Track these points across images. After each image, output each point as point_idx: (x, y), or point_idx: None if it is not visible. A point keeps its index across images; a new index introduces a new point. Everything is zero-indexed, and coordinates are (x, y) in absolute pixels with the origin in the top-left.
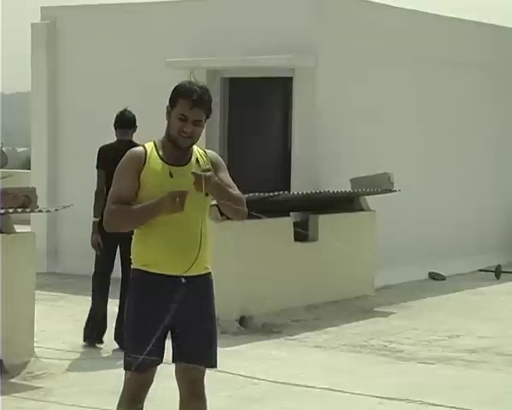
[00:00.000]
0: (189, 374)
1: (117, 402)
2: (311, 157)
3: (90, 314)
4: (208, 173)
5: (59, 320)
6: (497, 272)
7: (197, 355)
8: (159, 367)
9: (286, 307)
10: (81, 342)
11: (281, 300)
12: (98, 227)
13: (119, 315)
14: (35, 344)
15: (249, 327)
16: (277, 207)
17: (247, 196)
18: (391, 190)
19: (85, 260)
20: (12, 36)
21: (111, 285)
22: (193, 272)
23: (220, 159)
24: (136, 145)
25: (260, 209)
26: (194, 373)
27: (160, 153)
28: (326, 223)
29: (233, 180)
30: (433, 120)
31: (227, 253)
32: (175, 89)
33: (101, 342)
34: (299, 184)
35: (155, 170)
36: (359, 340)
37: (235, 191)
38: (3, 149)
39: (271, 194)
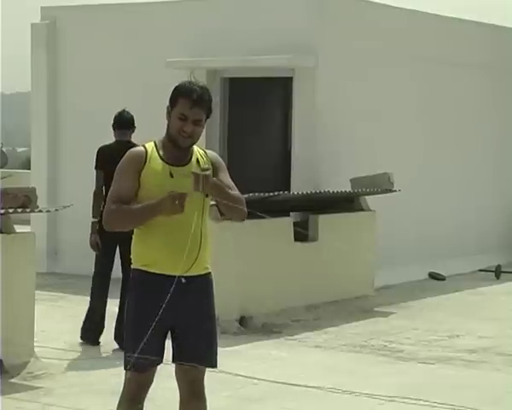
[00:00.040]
0: (189, 374)
1: (117, 402)
2: (311, 157)
3: (87, 314)
4: (207, 172)
5: (59, 320)
6: (497, 272)
7: (197, 355)
8: (159, 367)
9: (286, 307)
10: (81, 342)
11: (281, 300)
12: (97, 228)
13: (119, 315)
14: (35, 344)
15: (249, 327)
16: (277, 207)
17: (247, 196)
18: (391, 190)
19: (85, 260)
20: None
21: (111, 285)
22: (193, 272)
23: (220, 159)
24: (134, 146)
25: (260, 209)
26: (195, 373)
27: (161, 153)
28: (326, 223)
29: (233, 180)
30: (433, 120)
31: (227, 253)
32: (175, 89)
33: (98, 343)
34: (299, 184)
35: (156, 170)
36: (359, 340)
37: (235, 192)
38: (3, 149)
39: (271, 194)
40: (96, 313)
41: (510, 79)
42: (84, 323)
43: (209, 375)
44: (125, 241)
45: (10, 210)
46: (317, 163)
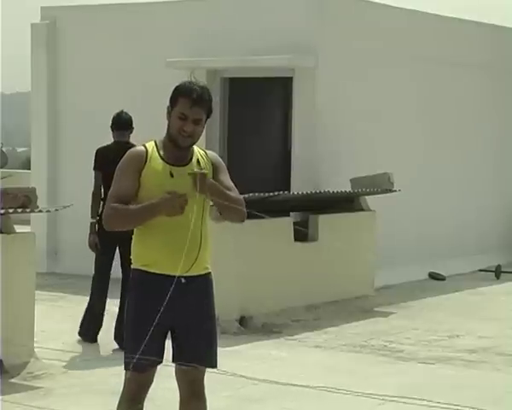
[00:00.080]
0: (189, 374)
1: (117, 402)
2: (311, 157)
3: (86, 311)
4: (203, 171)
5: (59, 320)
6: (497, 272)
7: (197, 355)
8: (159, 367)
9: (286, 307)
10: (81, 342)
11: (281, 300)
12: (96, 228)
13: (119, 315)
14: (35, 344)
15: (249, 327)
16: (277, 207)
17: (247, 196)
18: (391, 190)
19: (85, 260)
20: (12, 36)
21: (112, 285)
22: (193, 273)
23: (220, 160)
24: (133, 146)
25: (260, 209)
26: (195, 373)
27: (161, 153)
28: (326, 223)
29: (233, 180)
30: (433, 120)
31: (227, 253)
32: (175, 88)
33: (96, 341)
34: (299, 184)
35: (156, 170)
36: (359, 340)
37: (233, 193)
38: (3, 149)
39: (271, 194)
40: (94, 312)
41: (510, 79)
42: (83, 320)
43: (209, 375)
44: (124, 241)
45: (10, 210)
46: (317, 163)
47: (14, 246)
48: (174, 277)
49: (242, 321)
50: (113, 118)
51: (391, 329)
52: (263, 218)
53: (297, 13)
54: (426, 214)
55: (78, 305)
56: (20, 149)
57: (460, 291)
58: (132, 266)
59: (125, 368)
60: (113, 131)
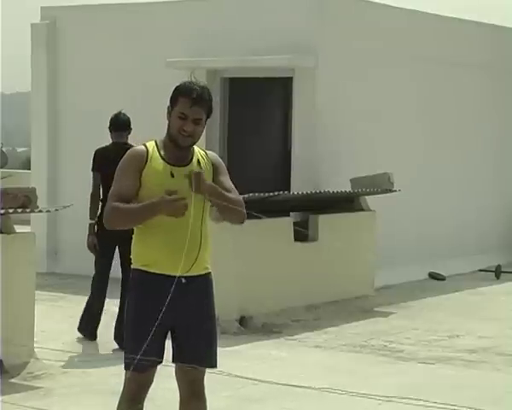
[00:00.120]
0: (189, 374)
1: (117, 402)
2: (311, 157)
3: (84, 311)
4: (198, 170)
5: (59, 320)
6: (497, 272)
7: (197, 356)
8: (159, 367)
9: (286, 307)
10: (81, 342)
11: (281, 300)
12: (94, 229)
13: (119, 315)
14: (35, 344)
15: (249, 327)
16: (277, 207)
17: (246, 196)
18: (391, 190)
19: (85, 261)
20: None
21: (111, 285)
22: (193, 273)
23: (221, 161)
24: (131, 147)
25: (260, 209)
26: (195, 373)
27: (162, 153)
28: (326, 223)
29: (233, 181)
30: (433, 120)
31: (227, 253)
32: (176, 88)
33: (95, 338)
34: (299, 184)
35: (157, 169)
36: (359, 340)
37: (232, 195)
38: (3, 149)
39: (271, 194)
40: (93, 311)
41: (510, 79)
42: (82, 319)
43: (209, 375)
44: (124, 241)
45: (10, 210)
46: (317, 163)
47: (14, 246)
48: (174, 277)
49: (242, 321)
50: (111, 119)
51: (391, 329)
52: (260, 218)
53: (297, 13)
54: (426, 214)
55: (78, 305)
56: (20, 149)
57: (460, 291)
58: (132, 266)
59: (125, 368)
60: (111, 132)
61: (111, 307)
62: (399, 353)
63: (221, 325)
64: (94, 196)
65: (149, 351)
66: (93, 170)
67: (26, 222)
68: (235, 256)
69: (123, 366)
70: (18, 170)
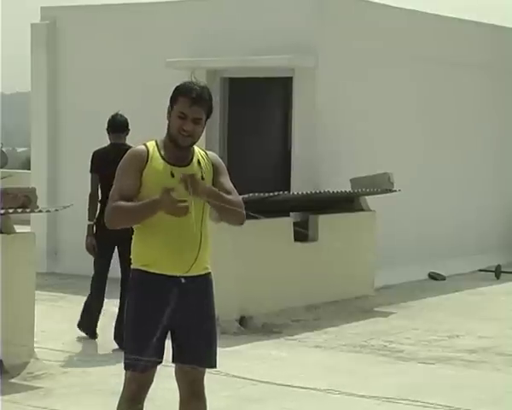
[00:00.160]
0: (189, 374)
1: (117, 402)
2: (311, 157)
3: (83, 311)
4: (192, 174)
5: (59, 321)
6: (497, 272)
7: (197, 356)
8: (159, 368)
9: (286, 308)
10: (81, 342)
11: (281, 300)
12: (93, 230)
13: (118, 315)
14: (35, 345)
15: (249, 327)
16: (277, 207)
17: (246, 196)
18: (391, 190)
19: (85, 261)
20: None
21: (111, 286)
22: (193, 273)
23: (221, 161)
24: (129, 148)
25: (260, 209)
26: (194, 373)
27: (162, 152)
28: (326, 223)
29: (233, 181)
30: (433, 120)
31: (227, 253)
32: (176, 88)
33: (95, 336)
34: (299, 184)
35: (157, 169)
36: (359, 340)
37: (231, 196)
38: (3, 149)
39: (271, 194)
40: (92, 311)
41: (510, 79)
42: (82, 316)
43: (209, 375)
44: (123, 241)
45: (10, 210)
46: (317, 163)
47: (14, 246)
48: (174, 277)
49: (242, 321)
50: (109, 120)
51: (391, 329)
52: (257, 218)
53: (297, 13)
54: (426, 214)
55: (78, 305)
56: (20, 149)
57: (460, 291)
58: (132, 266)
59: (125, 368)
60: (108, 133)
61: (110, 307)
62: (399, 353)
63: (221, 325)
64: (92, 198)
65: (149, 351)
66: (91, 171)
67: (26, 222)
68: (235, 256)
69: (123, 366)
70: (18, 170)
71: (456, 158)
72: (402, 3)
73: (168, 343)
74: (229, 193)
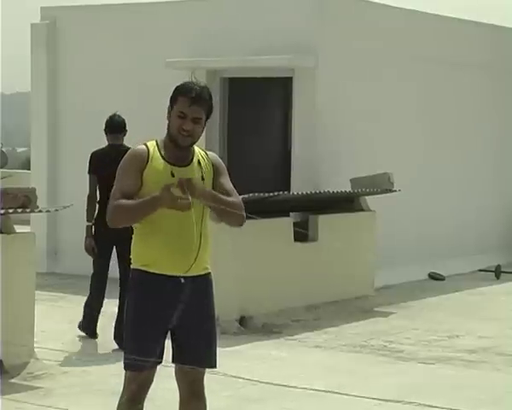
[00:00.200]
0: (189, 375)
1: (117, 402)
2: (311, 157)
3: (84, 309)
4: (188, 178)
5: (59, 321)
6: (497, 272)
7: (197, 356)
8: (159, 368)
9: (286, 308)
10: (81, 342)
11: (281, 300)
12: (92, 231)
13: (118, 315)
14: (35, 345)
15: (249, 327)
16: (277, 207)
17: (246, 196)
18: (391, 190)
19: (85, 261)
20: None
21: (111, 286)
22: (192, 273)
23: (221, 161)
24: (127, 149)
25: (260, 209)
26: (194, 374)
27: (162, 152)
28: (326, 223)
29: (233, 181)
30: (433, 120)
31: (227, 253)
32: (176, 88)
33: (96, 336)
34: (299, 184)
35: (157, 169)
36: (359, 340)
37: (230, 198)
38: (3, 149)
39: (271, 194)
40: (92, 310)
41: (510, 79)
42: (84, 317)
43: (209, 375)
44: (121, 241)
45: (10, 210)
46: (317, 163)
47: (14, 246)
48: (174, 277)
49: (242, 321)
50: (107, 121)
51: (391, 329)
52: (255, 219)
53: (297, 13)
54: (426, 214)
55: (78, 305)
56: (20, 149)
57: (460, 291)
58: (132, 266)
59: (125, 368)
60: (106, 134)
61: (110, 307)
62: (399, 353)
63: (221, 325)
64: (91, 199)
65: (149, 351)
66: (89, 172)
67: (26, 222)
68: (235, 256)
69: (123, 366)
70: (18, 170)
71: (456, 158)
72: (402, 3)
73: (168, 343)
74: (229, 194)
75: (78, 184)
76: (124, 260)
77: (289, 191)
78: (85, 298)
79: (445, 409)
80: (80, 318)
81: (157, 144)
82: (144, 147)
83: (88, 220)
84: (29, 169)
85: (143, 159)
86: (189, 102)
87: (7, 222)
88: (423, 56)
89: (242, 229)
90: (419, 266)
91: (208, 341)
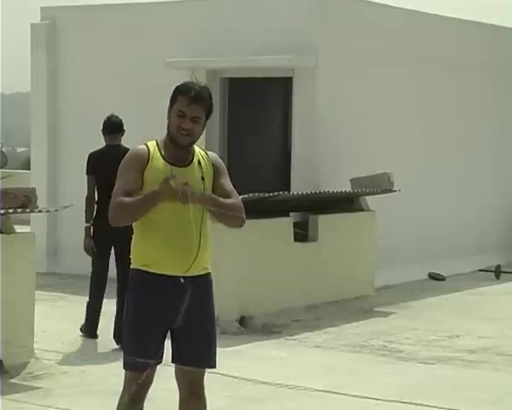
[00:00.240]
0: (189, 374)
1: (117, 402)
2: (311, 157)
3: (88, 312)
4: (187, 187)
5: (59, 321)
6: (497, 272)
7: (196, 356)
8: (159, 368)
9: (286, 308)
10: (81, 342)
11: (281, 300)
12: (90, 231)
13: (118, 314)
14: (35, 345)
15: (249, 327)
16: (277, 207)
17: (246, 196)
18: (391, 190)
19: (85, 261)
20: (12, 36)
21: (111, 286)
22: (192, 273)
23: (221, 162)
24: (125, 149)
25: (260, 209)
26: (194, 374)
27: (163, 152)
28: (326, 223)
29: (233, 181)
30: (433, 120)
31: (227, 253)
32: (175, 88)
33: (96, 336)
34: (299, 184)
35: (158, 169)
36: (359, 340)
37: (234, 197)
38: (3, 149)
39: (271, 194)
40: (92, 311)
41: (510, 79)
42: (87, 320)
43: (209, 375)
44: (120, 241)
45: (10, 210)
46: (317, 163)
47: (14, 246)
48: (174, 277)
49: (242, 321)
50: (104, 122)
51: (391, 329)
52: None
53: (297, 13)
54: (426, 214)
55: (78, 305)
56: (20, 149)
57: (460, 291)
58: (132, 266)
59: (125, 368)
60: (104, 134)
61: (111, 306)
62: (399, 353)
63: (221, 325)
64: (89, 199)
65: (149, 351)
66: (87, 173)
67: (26, 222)
68: (235, 256)
69: (122, 365)
70: (18, 170)
71: (456, 158)
72: (402, 3)
73: (168, 343)
74: (229, 194)
75: (78, 184)
76: (122, 261)
77: (289, 191)
78: (86, 298)
79: (445, 409)
80: (81, 319)
81: (157, 144)
82: (144, 147)
83: (87, 221)
84: (29, 169)
85: (144, 159)
86: (188, 100)
87: (7, 222)
88: (423, 56)
89: (242, 229)
90: (419, 266)
91: (208, 341)
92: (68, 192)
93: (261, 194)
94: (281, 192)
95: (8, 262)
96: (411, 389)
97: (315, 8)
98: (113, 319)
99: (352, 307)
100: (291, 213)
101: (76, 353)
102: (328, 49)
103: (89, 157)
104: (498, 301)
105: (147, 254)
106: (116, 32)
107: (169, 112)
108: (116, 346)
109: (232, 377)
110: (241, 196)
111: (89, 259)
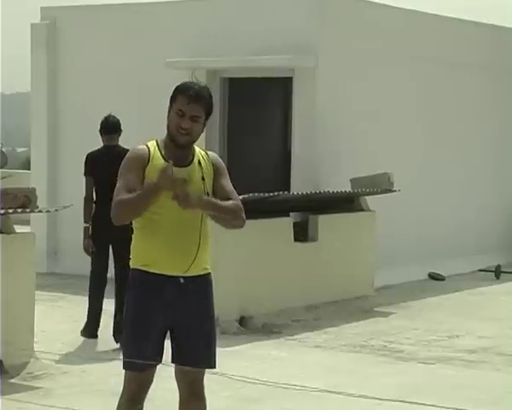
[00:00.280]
0: (189, 375)
1: (117, 403)
2: (311, 157)
3: (89, 313)
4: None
5: (59, 321)
6: (497, 272)
7: (196, 356)
8: (159, 368)
9: (286, 308)
10: (81, 342)
11: (281, 300)
12: (89, 232)
13: (116, 313)
14: (35, 345)
15: (249, 327)
16: (277, 207)
17: (246, 196)
18: (391, 190)
19: (85, 261)
20: (12, 36)
21: (110, 285)
22: (192, 273)
23: (221, 162)
24: (123, 149)
25: (260, 209)
26: (194, 374)
27: (163, 152)
28: (326, 223)
29: (232, 181)
30: (433, 120)
31: (227, 253)
32: (175, 87)
33: (96, 336)
34: (299, 184)
35: (158, 168)
36: (359, 340)
37: (234, 197)
38: (3, 149)
39: (271, 194)
40: (93, 311)
41: (510, 79)
42: (88, 321)
43: (209, 375)
44: (118, 241)
45: (10, 210)
46: (317, 163)
47: (14, 246)
48: (174, 277)
49: (242, 321)
50: (102, 122)
51: (391, 329)
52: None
53: (297, 13)
54: (426, 214)
55: (78, 305)
56: (20, 149)
57: (460, 291)
58: (132, 266)
59: (125, 368)
60: (101, 135)
61: (111, 306)
62: (399, 353)
63: (221, 325)
64: (87, 200)
65: (148, 351)
66: (85, 174)
67: (26, 222)
68: (235, 256)
69: (122, 365)
70: (18, 170)
71: (456, 158)
72: (402, 3)
73: (168, 343)
74: (229, 195)
75: (77, 184)
76: (120, 260)
77: (289, 191)
78: (85, 298)
79: (445, 409)
80: (81, 319)
81: (157, 144)
82: (145, 147)
83: (85, 222)
84: (29, 169)
85: (145, 159)
86: (187, 100)
87: (7, 222)
88: (423, 56)
89: (242, 229)
90: (419, 266)
91: (208, 341)
92: (68, 192)
93: (261, 194)
94: (281, 192)
95: (8, 262)
96: (411, 389)
97: (315, 8)
98: (112, 319)
99: (351, 307)
100: (291, 213)
101: (76, 353)
102: (328, 49)
103: (86, 158)
104: (498, 301)
105: (147, 254)
106: (116, 32)
107: (169, 112)
108: (116, 345)
109: (232, 377)
110: (241, 196)
111: (89, 259)
